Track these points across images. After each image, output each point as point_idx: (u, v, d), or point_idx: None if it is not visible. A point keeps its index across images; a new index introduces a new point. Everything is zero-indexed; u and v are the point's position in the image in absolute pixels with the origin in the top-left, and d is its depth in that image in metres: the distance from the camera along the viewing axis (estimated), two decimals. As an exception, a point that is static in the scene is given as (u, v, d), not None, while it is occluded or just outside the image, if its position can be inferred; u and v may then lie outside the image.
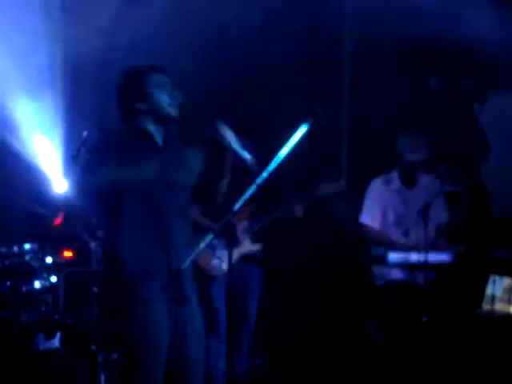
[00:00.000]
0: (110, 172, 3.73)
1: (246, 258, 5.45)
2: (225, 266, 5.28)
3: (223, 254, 5.27)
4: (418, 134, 5.75)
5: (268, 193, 4.67)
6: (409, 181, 5.77)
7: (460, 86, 6.96)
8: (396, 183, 5.78)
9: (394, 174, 5.79)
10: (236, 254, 5.31)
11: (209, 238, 3.82)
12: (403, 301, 5.40)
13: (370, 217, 5.73)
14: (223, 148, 4.21)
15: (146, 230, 3.83)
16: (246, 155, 4.11)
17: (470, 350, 4.98)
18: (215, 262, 5.31)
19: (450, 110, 6.89)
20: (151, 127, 3.90)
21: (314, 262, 6.73)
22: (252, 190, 3.87)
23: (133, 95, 3.86)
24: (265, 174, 3.90)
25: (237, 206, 3.85)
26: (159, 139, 3.94)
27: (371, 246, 5.69)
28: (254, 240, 5.47)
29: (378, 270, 5.65)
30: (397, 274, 5.57)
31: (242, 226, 5.43)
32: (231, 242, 4.15)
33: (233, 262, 5.07)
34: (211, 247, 5.21)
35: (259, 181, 3.89)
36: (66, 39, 6.44)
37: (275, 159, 3.88)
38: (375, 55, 6.73)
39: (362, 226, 5.76)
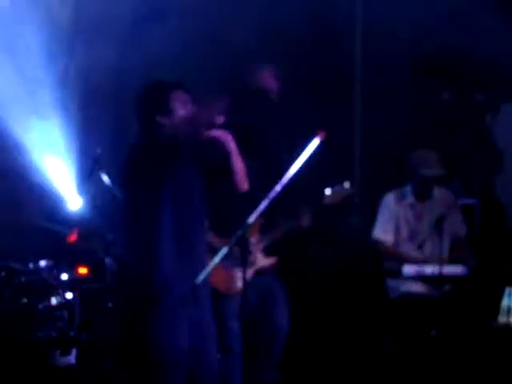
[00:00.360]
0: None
1: (260, 272, 5.44)
2: (240, 284, 5.25)
3: (236, 271, 5.26)
4: (430, 149, 5.74)
5: (277, 205, 4.71)
6: (422, 195, 5.76)
7: (472, 99, 6.96)
8: (410, 198, 5.78)
9: (408, 189, 5.78)
10: (250, 270, 5.31)
11: (224, 251, 3.84)
12: (415, 314, 5.39)
13: (384, 232, 5.72)
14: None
15: (178, 241, 3.87)
16: None
17: (486, 363, 4.96)
18: (230, 280, 5.30)
19: (463, 122, 6.89)
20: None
21: (327, 274, 6.72)
22: (266, 203, 3.89)
23: (155, 109, 3.91)
24: (278, 188, 3.93)
25: (251, 219, 3.87)
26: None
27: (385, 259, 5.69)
28: (267, 254, 5.46)
29: (392, 282, 5.65)
30: (411, 287, 5.56)
31: (254, 240, 5.41)
32: (246, 256, 4.15)
33: (248, 279, 5.22)
34: (223, 266, 5.05)
35: (272, 194, 3.91)
36: (78, 56, 6.48)
37: (288, 173, 3.90)
38: (387, 68, 6.74)
39: (375, 241, 5.75)
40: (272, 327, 5.43)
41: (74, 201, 5.86)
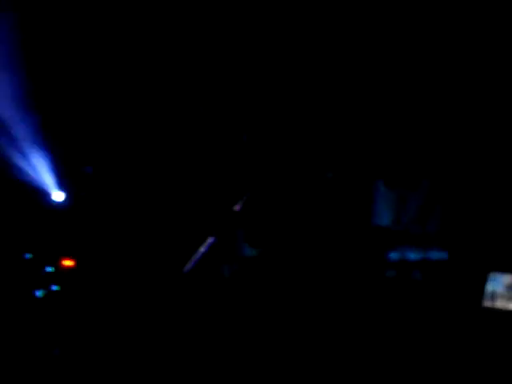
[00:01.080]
0: None
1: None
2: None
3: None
4: (416, 141, 5.80)
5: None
6: (410, 183, 5.80)
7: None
8: (398, 185, 5.81)
9: (397, 177, 5.82)
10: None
11: (210, 241, 3.85)
12: (398, 298, 5.44)
13: (379, 216, 5.76)
14: None
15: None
16: None
17: (471, 347, 4.99)
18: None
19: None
20: None
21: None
22: (248, 194, 3.91)
23: None
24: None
25: (236, 207, 3.89)
26: None
27: (376, 245, 5.74)
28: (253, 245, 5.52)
29: (377, 267, 5.69)
30: (393, 271, 5.61)
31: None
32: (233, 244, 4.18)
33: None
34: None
35: (254, 185, 3.93)
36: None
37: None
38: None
39: (373, 227, 5.79)
40: None
41: (60, 194, 5.85)
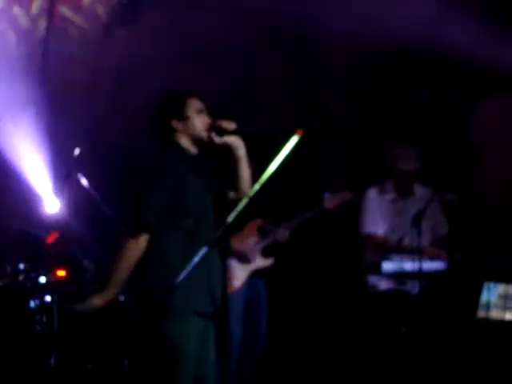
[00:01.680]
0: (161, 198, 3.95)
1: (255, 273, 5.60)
2: (237, 283, 5.48)
3: (234, 270, 5.47)
4: (409, 145, 5.80)
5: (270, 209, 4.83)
6: (403, 190, 5.79)
7: (448, 96, 6.99)
8: (390, 193, 5.80)
9: (389, 184, 5.81)
10: (249, 270, 5.55)
11: (203, 251, 3.82)
12: (390, 311, 5.42)
13: (374, 224, 5.74)
14: None
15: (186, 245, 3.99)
16: None
17: (466, 358, 4.98)
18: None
19: (440, 118, 6.92)
20: (187, 147, 4.11)
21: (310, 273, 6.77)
22: (245, 202, 3.89)
23: (171, 114, 4.10)
24: (257, 187, 3.92)
25: (230, 218, 3.87)
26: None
27: (368, 255, 5.72)
28: (265, 255, 5.64)
29: (372, 278, 5.66)
30: (387, 284, 5.59)
31: (251, 241, 5.59)
32: (225, 256, 4.16)
33: (245, 278, 5.51)
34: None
35: (251, 193, 3.91)
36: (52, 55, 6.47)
37: (267, 171, 3.89)
38: (363, 67, 6.76)
39: (367, 235, 5.76)
40: (255, 330, 5.63)
41: (51, 203, 5.82)
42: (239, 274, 5.54)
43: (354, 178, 6.58)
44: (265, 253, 5.66)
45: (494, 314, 4.93)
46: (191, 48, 6.52)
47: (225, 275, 4.07)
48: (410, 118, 6.89)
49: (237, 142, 4.07)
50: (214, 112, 4.13)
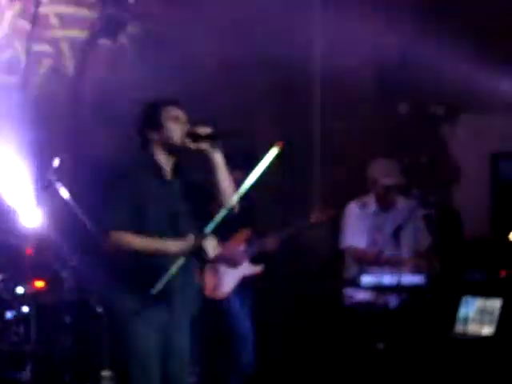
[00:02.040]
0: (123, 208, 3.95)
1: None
2: (225, 289, 5.59)
3: (223, 276, 5.59)
4: (390, 159, 5.83)
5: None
6: (385, 204, 5.81)
7: (429, 111, 7.04)
8: (372, 207, 5.82)
9: (370, 198, 5.83)
10: (237, 275, 5.63)
11: (180, 262, 3.83)
12: (365, 324, 5.43)
13: (355, 237, 5.75)
14: None
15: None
16: None
17: (443, 373, 4.97)
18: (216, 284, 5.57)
19: (420, 134, 6.97)
20: (162, 157, 4.08)
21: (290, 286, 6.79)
22: (223, 213, 3.90)
23: (148, 126, 4.11)
24: (236, 197, 3.94)
25: (207, 229, 3.88)
26: (168, 169, 4.11)
27: (348, 268, 5.73)
28: (254, 262, 5.72)
29: (350, 291, 5.67)
30: (364, 296, 5.59)
31: (239, 249, 5.68)
32: (202, 265, 4.18)
33: (234, 284, 5.62)
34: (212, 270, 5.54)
35: (230, 204, 3.92)
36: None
37: (246, 183, 3.91)
38: (345, 81, 6.79)
39: (348, 248, 5.77)
40: (238, 340, 5.66)
41: (30, 214, 5.79)
42: (228, 279, 5.62)
43: (337, 192, 6.60)
44: (253, 261, 5.74)
45: (471, 328, 4.93)
46: (178, 60, 6.53)
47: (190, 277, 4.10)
48: (391, 132, 6.94)
49: (211, 148, 4.01)
50: (192, 118, 4.10)
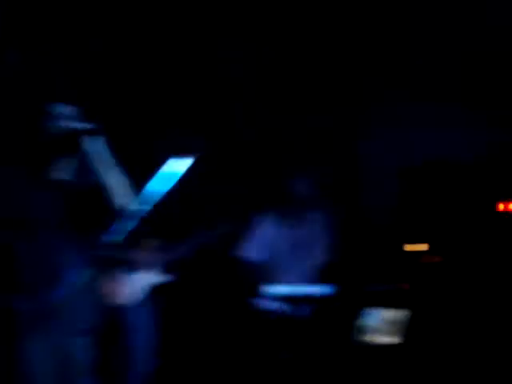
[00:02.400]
0: None
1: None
2: (132, 295, 5.55)
3: (124, 282, 5.48)
4: (304, 171, 5.90)
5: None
6: (295, 218, 5.86)
7: (341, 124, 7.17)
8: (281, 220, 5.86)
9: (280, 211, 5.87)
10: (147, 282, 5.63)
11: (86, 272, 3.82)
12: (271, 333, 5.50)
13: (252, 249, 5.80)
14: None
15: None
16: None
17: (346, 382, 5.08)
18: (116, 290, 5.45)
19: (331, 147, 7.09)
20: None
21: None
22: (134, 223, 3.91)
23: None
24: (146, 207, 3.95)
25: (118, 238, 3.89)
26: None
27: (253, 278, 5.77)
28: (163, 271, 5.70)
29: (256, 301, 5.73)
30: (272, 305, 5.65)
31: (147, 258, 5.63)
32: (107, 274, 4.19)
33: (142, 292, 5.58)
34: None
35: (141, 214, 3.94)
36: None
37: (155, 193, 3.93)
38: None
39: (240, 258, 5.83)
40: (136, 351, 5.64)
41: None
42: (135, 285, 5.59)
43: (250, 204, 6.65)
44: (165, 269, 5.74)
45: (373, 338, 5.05)
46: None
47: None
48: (303, 145, 7.03)
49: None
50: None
